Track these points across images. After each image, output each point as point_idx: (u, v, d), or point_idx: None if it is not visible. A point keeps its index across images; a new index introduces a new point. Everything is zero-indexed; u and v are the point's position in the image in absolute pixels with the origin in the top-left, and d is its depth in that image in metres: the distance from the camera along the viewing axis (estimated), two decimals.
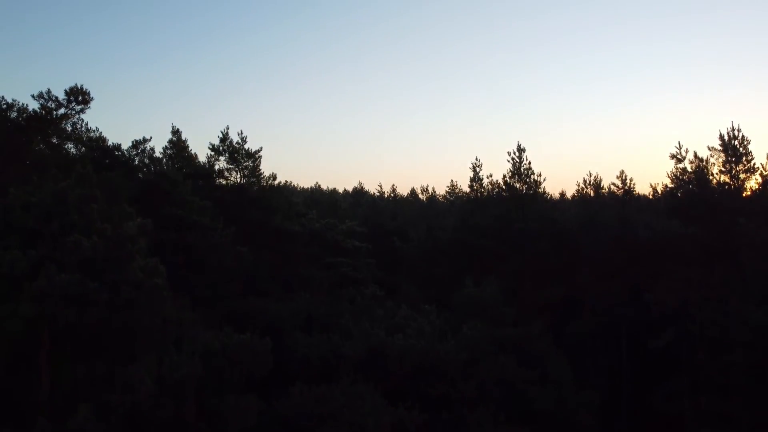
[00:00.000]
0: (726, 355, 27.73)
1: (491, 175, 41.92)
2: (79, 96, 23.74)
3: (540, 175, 40.92)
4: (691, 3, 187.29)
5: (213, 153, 38.05)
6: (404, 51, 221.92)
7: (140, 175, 30.13)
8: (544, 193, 41.57)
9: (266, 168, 39.65)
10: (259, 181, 37.27)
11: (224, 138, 37.72)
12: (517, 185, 38.45)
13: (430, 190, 63.30)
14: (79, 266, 17.84)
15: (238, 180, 35.67)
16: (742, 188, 32.58)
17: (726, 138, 33.68)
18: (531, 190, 38.56)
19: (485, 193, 41.92)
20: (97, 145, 33.37)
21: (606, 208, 39.15)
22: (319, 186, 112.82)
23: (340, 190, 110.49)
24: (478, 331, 28.65)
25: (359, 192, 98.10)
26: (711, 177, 33.25)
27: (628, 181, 41.73)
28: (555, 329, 34.02)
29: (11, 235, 18.21)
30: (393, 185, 73.08)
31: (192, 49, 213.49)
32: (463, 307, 31.47)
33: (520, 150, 38.98)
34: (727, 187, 32.59)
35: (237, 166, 37.12)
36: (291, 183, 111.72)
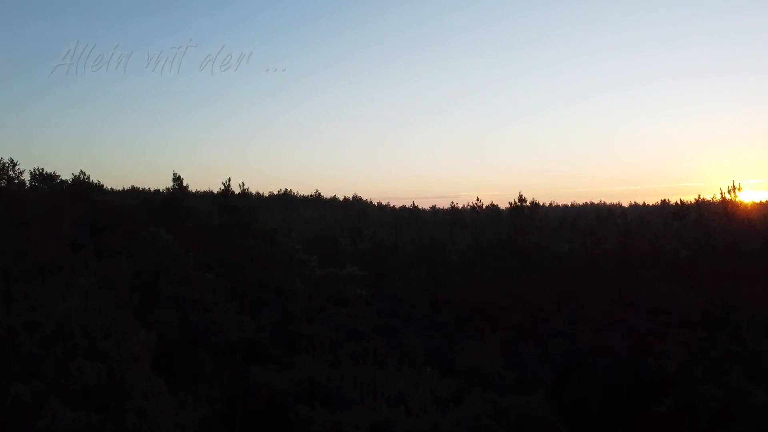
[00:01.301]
0: (726, 429, 27.85)
1: (492, 204, 42.11)
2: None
3: (541, 220, 41.21)
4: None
5: (213, 206, 38.07)
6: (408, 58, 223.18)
7: (141, 246, 29.94)
8: (544, 237, 41.74)
9: (269, 179, 39.66)
10: (261, 233, 37.18)
11: (225, 191, 37.64)
12: (518, 238, 38.43)
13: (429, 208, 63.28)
14: (84, 395, 17.90)
15: (239, 237, 35.50)
16: (743, 251, 32.52)
17: (726, 197, 33.74)
18: (532, 240, 38.56)
19: (487, 236, 41.98)
20: (95, 207, 33.37)
21: (606, 257, 39.09)
22: (320, 194, 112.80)
23: (341, 198, 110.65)
24: (479, 404, 28.74)
25: (359, 203, 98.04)
26: (712, 238, 33.29)
27: (629, 220, 41.99)
28: (556, 385, 34.15)
29: (15, 364, 18.25)
30: (393, 205, 73.10)
31: (191, 49, 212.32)
32: (465, 372, 31.60)
33: (522, 200, 38.98)
34: (727, 249, 32.57)
35: (238, 221, 37.01)
36: (291, 191, 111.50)
